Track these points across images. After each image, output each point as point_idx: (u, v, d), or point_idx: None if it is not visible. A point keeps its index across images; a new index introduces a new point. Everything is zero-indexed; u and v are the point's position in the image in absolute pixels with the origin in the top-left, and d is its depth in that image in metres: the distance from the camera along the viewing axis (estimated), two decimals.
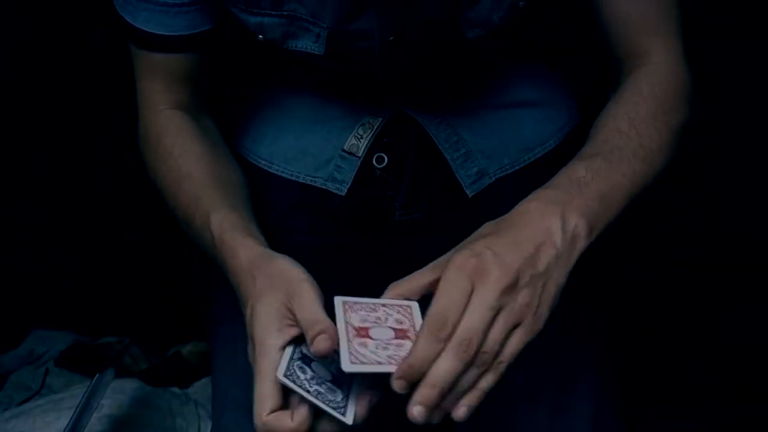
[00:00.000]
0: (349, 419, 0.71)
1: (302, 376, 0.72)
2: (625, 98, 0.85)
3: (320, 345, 0.68)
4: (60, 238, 2.50)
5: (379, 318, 0.75)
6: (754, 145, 2.47)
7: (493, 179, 0.98)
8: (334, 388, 0.74)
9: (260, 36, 0.88)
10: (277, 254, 0.79)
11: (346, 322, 0.73)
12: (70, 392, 1.77)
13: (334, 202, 0.98)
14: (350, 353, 0.69)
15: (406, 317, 0.75)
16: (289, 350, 0.74)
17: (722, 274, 2.48)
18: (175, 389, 1.95)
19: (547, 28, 0.98)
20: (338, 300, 0.75)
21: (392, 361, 0.70)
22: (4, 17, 2.25)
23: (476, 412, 1.04)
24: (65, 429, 1.34)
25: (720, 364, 2.36)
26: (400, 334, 0.73)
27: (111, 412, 1.65)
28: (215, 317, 1.05)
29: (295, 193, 1.00)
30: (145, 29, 0.89)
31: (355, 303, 0.76)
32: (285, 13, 0.86)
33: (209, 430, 1.65)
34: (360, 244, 1.02)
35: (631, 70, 0.89)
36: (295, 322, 0.73)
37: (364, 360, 0.69)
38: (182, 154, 0.90)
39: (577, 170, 0.76)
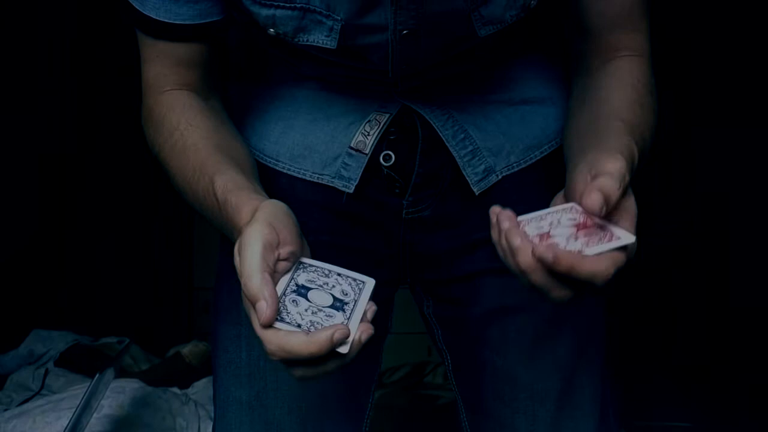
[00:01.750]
0: (344, 349, 0.69)
1: (294, 310, 0.71)
2: (627, 83, 0.90)
3: (261, 312, 0.68)
4: (61, 239, 2.50)
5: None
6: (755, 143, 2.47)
7: (500, 177, 0.97)
8: (333, 312, 0.72)
9: (271, 30, 0.87)
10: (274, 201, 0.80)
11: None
12: (70, 392, 1.77)
13: (342, 200, 0.97)
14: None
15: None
16: (281, 286, 0.72)
17: (724, 275, 2.48)
18: (176, 389, 1.94)
19: (554, 25, 0.97)
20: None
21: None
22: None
23: (481, 408, 1.05)
24: (65, 429, 1.34)
25: (720, 366, 2.37)
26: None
27: (111, 412, 1.65)
28: (217, 316, 1.04)
29: (301, 191, 0.99)
30: (153, 16, 0.88)
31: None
32: (298, 5, 0.85)
33: (209, 430, 1.65)
34: (366, 243, 1.01)
35: (607, 61, 0.92)
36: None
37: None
38: (188, 128, 0.89)
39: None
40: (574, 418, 1.00)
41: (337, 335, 0.67)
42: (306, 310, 0.71)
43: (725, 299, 2.49)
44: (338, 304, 0.73)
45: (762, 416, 2.13)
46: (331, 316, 0.72)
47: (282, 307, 0.70)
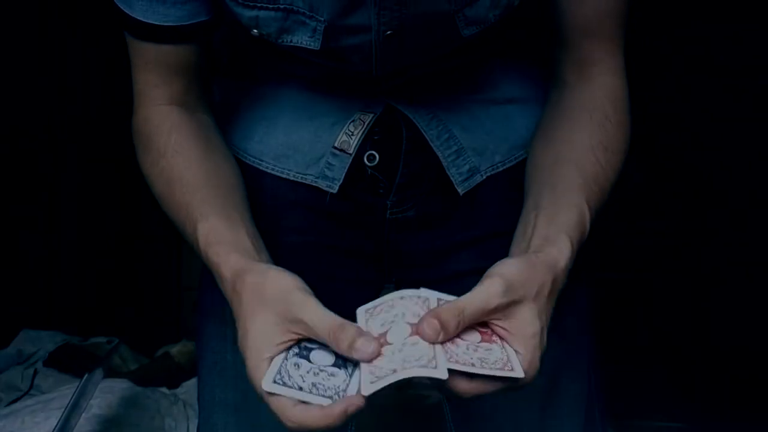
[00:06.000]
0: None
1: (295, 373, 0.72)
2: (595, 120, 0.89)
3: (366, 350, 0.69)
4: (50, 239, 2.50)
5: (396, 315, 0.75)
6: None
7: (484, 177, 0.98)
8: (335, 371, 0.73)
9: (254, 30, 0.88)
10: (264, 266, 0.79)
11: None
12: (59, 392, 1.76)
13: (326, 200, 0.98)
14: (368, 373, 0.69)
15: (423, 309, 0.74)
16: (280, 356, 0.73)
17: (711, 277, 2.49)
18: (164, 389, 1.94)
19: (537, 25, 0.97)
20: (360, 310, 0.76)
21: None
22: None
23: (466, 410, 1.05)
24: (54, 429, 1.33)
25: (708, 365, 2.38)
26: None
27: (100, 412, 1.64)
28: (202, 316, 1.04)
29: (285, 191, 0.99)
30: (141, 19, 0.88)
31: (375, 307, 0.76)
32: (282, 6, 0.85)
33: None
34: (351, 243, 1.01)
35: (582, 77, 0.92)
36: (299, 332, 0.73)
37: (380, 374, 0.69)
38: (174, 156, 0.89)
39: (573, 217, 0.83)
40: (559, 418, 1.00)
41: (351, 409, 0.68)
42: (308, 372, 0.72)
43: (717, 298, 2.50)
44: (340, 362, 0.74)
45: (751, 415, 2.14)
46: (333, 375, 0.72)
47: (284, 371, 0.71)
